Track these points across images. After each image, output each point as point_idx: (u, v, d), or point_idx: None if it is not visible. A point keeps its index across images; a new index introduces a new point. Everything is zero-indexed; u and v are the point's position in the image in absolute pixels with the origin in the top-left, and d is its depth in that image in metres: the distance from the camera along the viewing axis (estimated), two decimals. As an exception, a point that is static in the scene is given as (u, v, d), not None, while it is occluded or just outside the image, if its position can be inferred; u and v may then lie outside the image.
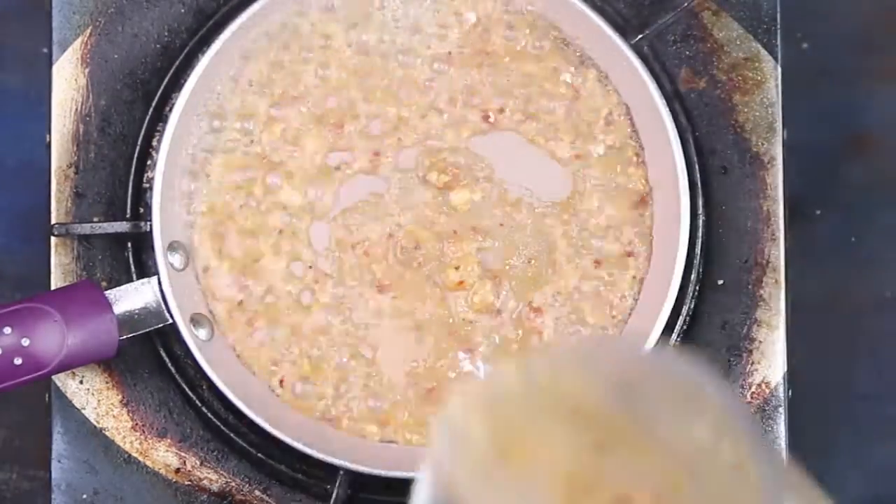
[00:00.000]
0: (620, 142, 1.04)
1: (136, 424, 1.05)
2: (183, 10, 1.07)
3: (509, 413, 0.69)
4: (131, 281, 1.03)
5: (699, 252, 1.05)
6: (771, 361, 1.05)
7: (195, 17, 1.07)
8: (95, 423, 1.05)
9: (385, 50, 1.05)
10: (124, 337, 0.99)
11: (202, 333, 1.03)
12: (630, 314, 1.04)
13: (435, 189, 1.04)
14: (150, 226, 1.01)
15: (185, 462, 1.05)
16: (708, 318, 1.06)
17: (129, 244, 1.05)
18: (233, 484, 1.05)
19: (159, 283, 1.01)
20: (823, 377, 1.33)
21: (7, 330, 0.96)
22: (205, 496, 1.05)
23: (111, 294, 1.00)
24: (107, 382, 1.05)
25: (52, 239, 1.05)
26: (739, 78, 1.06)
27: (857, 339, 1.33)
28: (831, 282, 1.33)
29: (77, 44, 1.06)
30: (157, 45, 1.07)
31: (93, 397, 1.05)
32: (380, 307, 1.04)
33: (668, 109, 1.02)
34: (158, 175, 1.01)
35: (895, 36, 1.35)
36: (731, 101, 1.06)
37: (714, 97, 1.06)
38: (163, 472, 1.05)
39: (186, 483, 1.05)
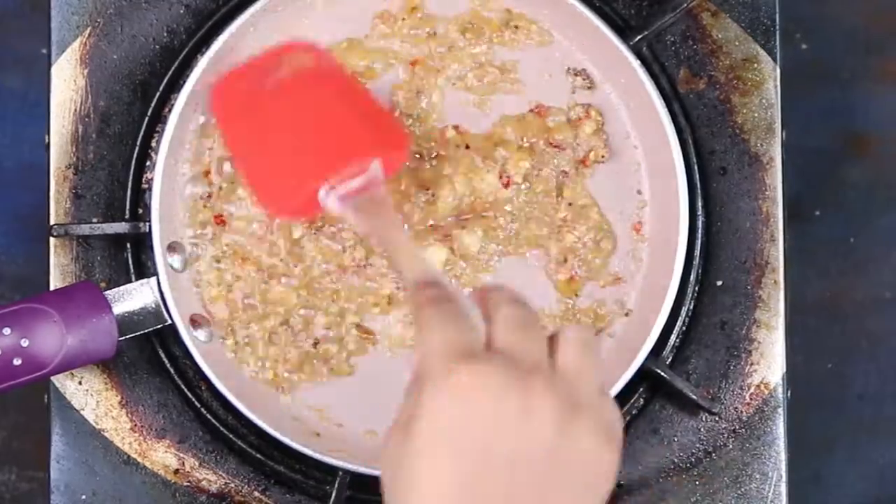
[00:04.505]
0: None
1: (135, 425, 1.05)
2: (182, 11, 1.07)
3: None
4: (130, 282, 1.02)
5: (698, 253, 1.05)
6: (770, 362, 1.05)
7: (194, 18, 1.07)
8: (94, 424, 1.05)
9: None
10: (123, 338, 0.99)
11: (201, 334, 1.03)
12: (629, 314, 1.04)
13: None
14: (150, 226, 1.01)
15: (183, 463, 1.05)
16: (707, 318, 1.06)
17: (128, 245, 1.05)
18: (231, 485, 1.05)
19: (158, 283, 1.01)
20: (822, 377, 1.33)
21: (6, 330, 0.96)
22: (204, 497, 1.05)
23: (110, 295, 1.00)
24: (106, 383, 1.05)
25: (51, 240, 1.05)
26: (738, 79, 1.06)
27: (855, 340, 1.33)
28: (830, 282, 1.33)
29: (76, 45, 1.06)
30: (157, 46, 1.07)
31: (92, 398, 1.05)
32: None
33: (666, 110, 1.01)
34: (157, 176, 1.01)
35: (894, 37, 1.35)
36: (729, 101, 1.06)
37: (713, 98, 1.06)
38: (162, 472, 1.05)
39: (185, 484, 1.05)
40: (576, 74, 1.05)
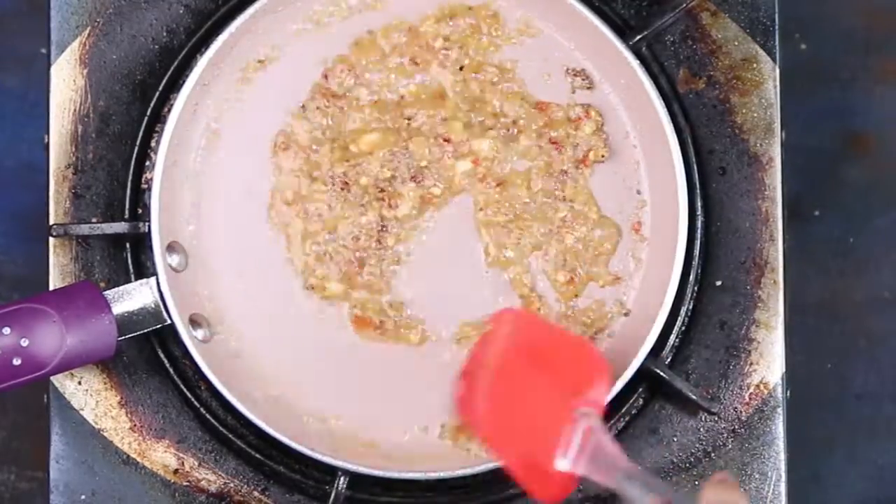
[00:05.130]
0: None
1: (135, 425, 1.05)
2: (181, 11, 1.07)
3: None
4: (130, 282, 1.03)
5: (698, 253, 1.05)
6: (769, 362, 1.05)
7: (193, 18, 1.07)
8: (94, 424, 1.05)
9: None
10: (123, 337, 0.99)
11: (200, 334, 1.03)
12: (629, 314, 1.04)
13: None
14: (149, 226, 1.01)
15: (183, 463, 1.05)
16: (706, 318, 1.06)
17: (128, 245, 1.05)
18: (231, 485, 1.05)
19: (158, 283, 1.01)
20: (822, 377, 1.33)
21: (6, 330, 0.96)
22: (203, 497, 1.05)
23: (110, 294, 1.00)
24: (105, 383, 1.05)
25: (51, 239, 1.05)
26: (737, 79, 1.06)
27: (854, 340, 1.33)
28: (829, 282, 1.33)
29: (75, 45, 1.06)
30: (156, 46, 1.07)
31: (91, 398, 1.05)
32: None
33: (666, 110, 1.01)
34: (157, 176, 1.01)
35: (893, 37, 1.35)
36: (729, 101, 1.06)
37: (712, 98, 1.06)
38: (161, 472, 1.05)
39: (185, 484, 1.05)
40: (575, 74, 1.05)
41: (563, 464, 0.92)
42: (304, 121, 1.04)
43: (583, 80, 1.05)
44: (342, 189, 1.04)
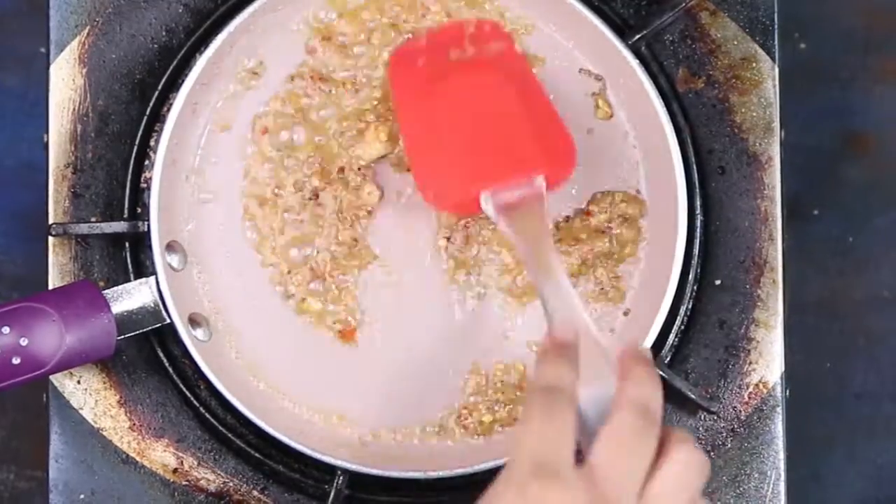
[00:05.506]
0: None
1: (134, 424, 1.05)
2: (181, 11, 1.07)
3: None
4: (129, 281, 1.03)
5: (697, 252, 1.05)
6: (769, 361, 1.05)
7: (193, 18, 1.07)
8: (93, 424, 1.05)
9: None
10: (122, 337, 1.00)
11: (200, 333, 1.03)
12: (628, 313, 1.04)
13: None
14: (148, 226, 1.01)
15: (182, 462, 1.05)
16: (706, 317, 1.06)
17: (127, 244, 1.05)
18: (230, 484, 1.05)
19: (157, 283, 1.01)
20: (821, 377, 1.33)
21: (5, 329, 0.96)
22: (202, 496, 1.05)
23: (109, 294, 1.00)
24: (104, 382, 1.05)
25: (50, 239, 1.05)
26: (737, 78, 1.06)
27: (854, 339, 1.33)
28: (829, 282, 1.33)
29: (74, 44, 1.06)
30: (155, 45, 1.07)
31: (90, 397, 1.05)
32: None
33: (665, 110, 1.01)
34: (156, 175, 1.01)
35: (893, 37, 1.35)
36: (728, 101, 1.06)
37: (712, 97, 1.06)
38: (160, 472, 1.05)
39: (184, 483, 1.05)
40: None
41: (486, 203, 0.89)
42: (284, 104, 1.04)
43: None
44: (311, 199, 1.04)
